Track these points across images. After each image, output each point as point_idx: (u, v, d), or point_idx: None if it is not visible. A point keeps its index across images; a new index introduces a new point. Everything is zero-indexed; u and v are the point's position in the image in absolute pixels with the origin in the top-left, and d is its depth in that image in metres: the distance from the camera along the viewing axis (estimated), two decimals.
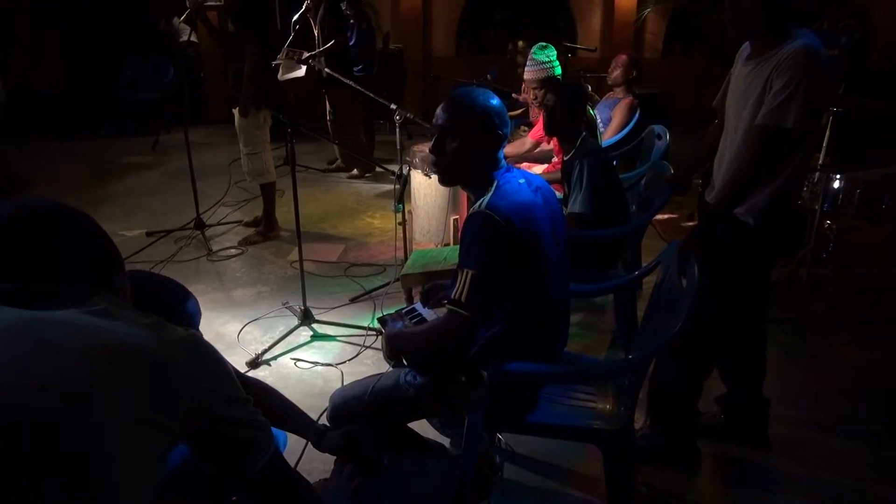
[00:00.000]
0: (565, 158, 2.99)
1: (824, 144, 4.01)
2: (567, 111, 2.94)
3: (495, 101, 1.81)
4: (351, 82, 4.19)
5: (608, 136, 4.26)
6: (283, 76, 4.84)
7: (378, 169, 5.84)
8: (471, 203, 1.85)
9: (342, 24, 6.03)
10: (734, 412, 2.54)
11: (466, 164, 1.81)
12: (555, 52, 3.86)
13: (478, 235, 1.70)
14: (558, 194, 2.79)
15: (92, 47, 8.47)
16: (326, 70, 4.65)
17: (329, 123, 6.31)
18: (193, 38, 7.04)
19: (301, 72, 4.86)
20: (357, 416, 1.92)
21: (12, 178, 5.75)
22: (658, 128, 3.88)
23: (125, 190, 6.05)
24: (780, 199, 2.12)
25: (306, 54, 4.69)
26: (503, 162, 1.84)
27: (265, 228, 4.69)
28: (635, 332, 2.65)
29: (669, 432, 2.39)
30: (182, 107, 4.61)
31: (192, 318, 1.67)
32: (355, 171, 6.45)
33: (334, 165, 6.70)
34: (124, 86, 8.45)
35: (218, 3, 4.83)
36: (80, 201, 5.59)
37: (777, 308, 3.51)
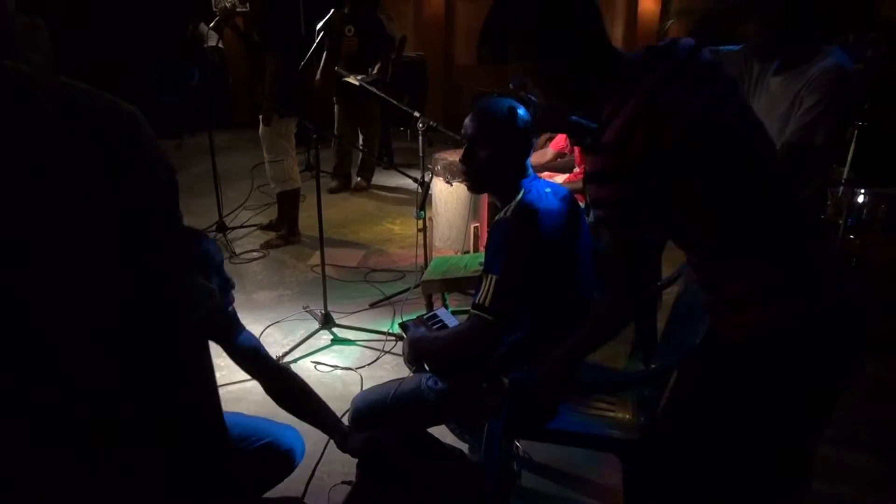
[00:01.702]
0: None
1: (849, 159, 3.98)
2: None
3: (521, 110, 1.84)
4: (379, 92, 4.22)
5: None
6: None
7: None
8: (492, 211, 1.89)
9: (383, 38, 5.74)
10: None
11: (495, 173, 1.85)
12: None
13: (503, 241, 1.74)
14: (582, 204, 2.80)
15: (119, 50, 8.62)
16: (360, 82, 4.57)
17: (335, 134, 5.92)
18: (220, 45, 7.14)
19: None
20: (378, 419, 1.95)
21: None
22: None
23: None
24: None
25: (360, 77, 4.77)
26: (530, 170, 1.87)
27: (287, 232, 4.74)
28: (655, 343, 2.65)
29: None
30: (207, 111, 4.69)
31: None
32: (363, 183, 6.17)
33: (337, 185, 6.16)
34: (150, 89, 8.58)
35: (244, 10, 4.90)
36: None
37: None
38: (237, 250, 4.57)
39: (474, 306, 1.74)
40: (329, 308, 3.39)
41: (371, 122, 5.97)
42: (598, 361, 2.52)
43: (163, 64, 8.70)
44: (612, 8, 9.44)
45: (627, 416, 1.97)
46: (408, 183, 3.97)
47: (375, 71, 5.48)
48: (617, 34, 9.53)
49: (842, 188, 3.65)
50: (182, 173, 6.70)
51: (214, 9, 5.66)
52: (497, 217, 1.81)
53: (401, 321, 2.44)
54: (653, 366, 2.05)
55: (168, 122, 8.29)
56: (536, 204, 1.76)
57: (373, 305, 3.73)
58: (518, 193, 1.82)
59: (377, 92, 4.37)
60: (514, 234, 1.72)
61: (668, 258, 3.38)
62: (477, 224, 3.93)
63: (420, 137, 3.72)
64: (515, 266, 1.72)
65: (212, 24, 4.61)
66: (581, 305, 1.92)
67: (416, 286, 3.73)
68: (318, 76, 5.41)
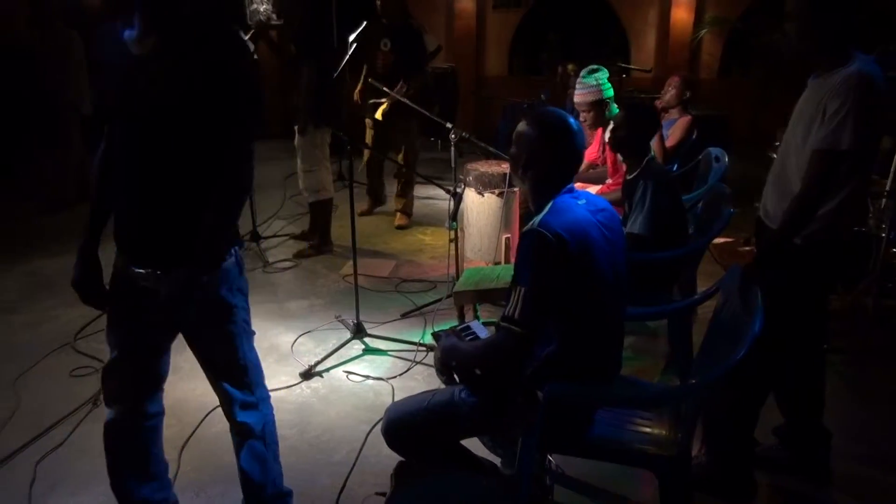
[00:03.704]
0: (628, 177, 2.97)
1: (892, 170, 3.89)
2: (636, 130, 2.93)
3: (573, 122, 1.85)
4: (417, 107, 4.24)
5: (661, 154, 4.20)
6: (378, 115, 5.06)
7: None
8: (524, 222, 1.89)
9: (421, 55, 5.44)
10: (793, 444, 2.47)
11: (542, 183, 1.86)
12: (606, 75, 3.84)
13: (530, 253, 1.73)
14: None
15: None
16: (404, 99, 4.56)
17: (368, 156, 5.63)
18: (255, 56, 7.24)
19: (381, 113, 5.03)
20: (412, 430, 1.94)
21: (84, 186, 6.01)
22: (715, 150, 3.83)
23: None
24: (834, 223, 2.09)
25: (404, 89, 4.79)
26: (571, 184, 1.88)
27: (319, 242, 4.78)
28: (690, 359, 2.61)
29: (725, 461, 2.34)
30: None
31: None
32: (403, 220, 5.56)
33: (367, 207, 5.90)
34: None
35: (279, 23, 4.98)
36: None
37: (839, 338, 3.40)
38: (270, 259, 4.62)
39: (503, 318, 1.73)
40: (361, 318, 3.41)
41: (409, 140, 5.42)
42: (632, 375, 2.49)
43: None
44: (644, 17, 9.40)
45: (664, 432, 1.94)
46: (438, 193, 3.98)
47: (401, 87, 5.02)
48: (649, 43, 9.49)
49: (884, 200, 3.57)
50: None
51: (249, 21, 5.75)
52: (526, 228, 1.80)
53: (434, 331, 2.44)
54: (692, 381, 2.01)
55: None
56: (563, 215, 1.75)
57: (404, 316, 3.74)
58: (547, 205, 1.82)
59: (409, 103, 4.41)
60: (539, 245, 1.71)
61: (703, 272, 3.35)
62: (508, 235, 3.92)
63: (452, 148, 3.73)
64: (544, 278, 1.71)
65: (248, 37, 4.68)
66: (614, 317, 1.90)
67: (448, 297, 3.74)
68: (357, 92, 5.33)
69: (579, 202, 1.84)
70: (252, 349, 1.97)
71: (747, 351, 1.64)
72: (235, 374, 1.93)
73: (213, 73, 1.63)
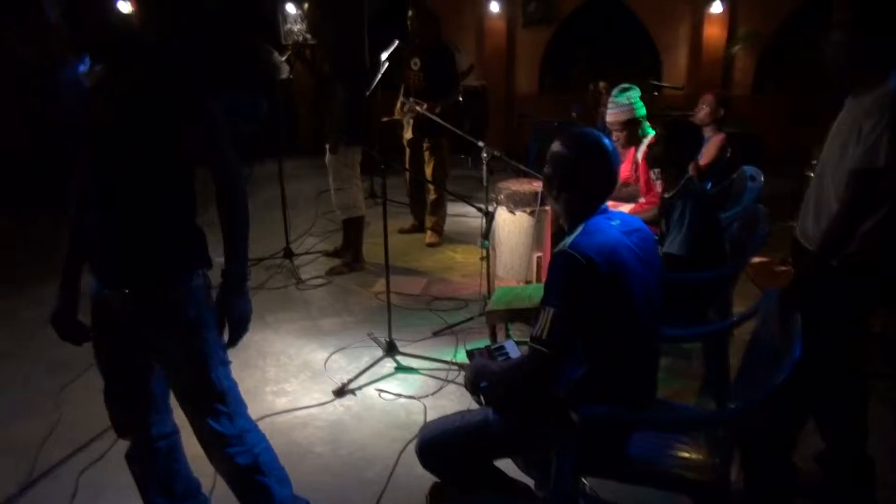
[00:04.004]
0: (666, 196, 2.96)
1: None
2: (677, 148, 2.91)
3: (608, 143, 1.85)
4: (446, 124, 4.28)
5: (696, 172, 4.17)
6: (405, 134, 5.07)
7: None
8: (555, 241, 1.89)
9: (452, 75, 5.45)
10: (835, 471, 2.41)
11: (576, 204, 1.86)
12: (637, 94, 3.83)
13: (559, 274, 1.73)
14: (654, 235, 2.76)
15: (196, 82, 9.02)
16: (433, 115, 4.59)
17: (408, 175, 5.66)
18: (290, 75, 7.37)
19: (411, 130, 5.06)
20: (445, 451, 1.95)
21: None
22: (750, 169, 3.78)
23: (218, 218, 6.33)
24: (873, 243, 2.06)
25: (425, 105, 4.84)
26: (605, 205, 1.87)
27: (351, 260, 4.83)
28: (726, 382, 2.57)
29: (764, 488, 2.29)
30: (275, 139, 4.84)
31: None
32: (434, 239, 5.55)
33: (410, 226, 5.86)
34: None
35: (313, 42, 5.07)
36: None
37: (883, 361, 3.32)
38: (303, 276, 4.67)
39: (532, 339, 1.73)
40: (393, 336, 3.43)
41: (439, 157, 5.43)
42: (666, 398, 2.46)
43: (234, 94, 9.03)
44: (675, 33, 9.36)
45: (701, 457, 1.91)
46: (468, 210, 3.99)
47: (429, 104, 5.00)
48: (681, 60, 9.44)
49: None
50: (252, 199, 6.97)
51: (284, 41, 5.85)
52: (557, 248, 1.80)
53: (467, 349, 2.44)
54: (730, 406, 1.98)
55: (238, 150, 8.58)
56: (594, 237, 1.75)
57: (436, 334, 3.75)
58: (579, 226, 1.81)
59: (438, 120, 4.44)
60: (568, 267, 1.71)
61: (739, 292, 3.30)
62: (540, 254, 3.92)
63: (483, 167, 3.75)
64: (573, 300, 1.70)
65: (285, 57, 4.78)
66: (647, 339, 1.89)
67: (480, 315, 3.74)
68: (397, 110, 5.37)
69: (613, 223, 1.84)
70: (228, 377, 1.90)
71: (787, 377, 1.61)
72: (207, 399, 1.85)
73: (152, 95, 1.68)
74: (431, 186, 5.43)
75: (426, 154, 5.42)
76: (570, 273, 1.70)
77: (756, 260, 4.69)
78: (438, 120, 4.45)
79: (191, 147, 1.77)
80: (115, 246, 1.79)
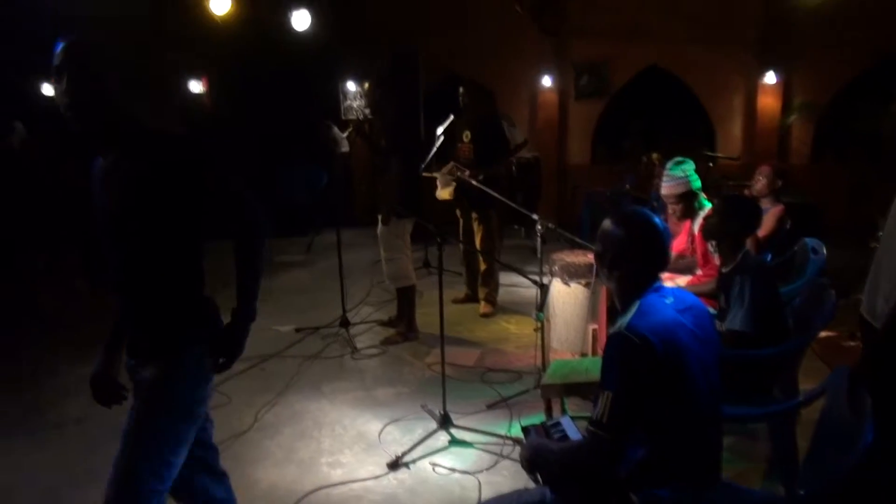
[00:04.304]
0: (724, 271, 2.92)
1: None
2: (734, 222, 2.89)
3: (659, 222, 1.86)
4: (493, 192, 4.36)
5: (755, 245, 4.10)
6: (440, 196, 5.17)
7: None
8: (611, 314, 1.88)
9: (501, 144, 5.58)
10: None
11: (628, 282, 1.87)
12: (692, 166, 3.83)
13: (616, 357, 1.72)
14: (711, 310, 2.71)
15: (259, 153, 9.49)
16: (480, 184, 4.70)
17: (462, 246, 5.65)
18: (348, 149, 7.67)
19: (450, 192, 5.16)
20: None
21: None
22: (812, 241, 3.71)
23: (278, 287, 6.54)
24: None
25: (467, 172, 4.97)
26: (658, 282, 1.87)
27: (405, 329, 4.87)
28: (795, 464, 2.46)
29: None
30: (334, 210, 5.00)
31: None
32: (488, 309, 5.51)
33: (464, 296, 5.83)
34: (283, 191, 9.28)
35: (371, 118, 5.30)
36: None
37: None
38: (358, 345, 4.73)
39: (591, 423, 1.71)
40: (447, 408, 3.41)
41: (487, 227, 5.45)
42: (731, 480, 2.37)
43: (296, 166, 9.41)
44: (729, 104, 9.38)
45: None
46: (521, 280, 4.01)
47: (467, 173, 5.05)
48: (735, 130, 9.42)
49: None
50: (310, 269, 7.19)
51: (344, 116, 6.14)
52: (612, 330, 1.80)
53: (523, 424, 2.42)
54: (799, 491, 1.89)
55: (298, 220, 8.89)
56: (650, 317, 1.74)
57: (490, 407, 3.71)
58: (634, 306, 1.81)
59: (483, 187, 4.54)
60: (625, 349, 1.70)
61: (805, 368, 3.18)
62: (595, 326, 3.88)
63: (538, 239, 3.78)
64: (631, 383, 1.69)
65: (346, 133, 4.99)
66: (709, 421, 1.84)
67: (535, 388, 3.70)
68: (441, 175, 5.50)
69: (667, 301, 1.83)
70: (155, 481, 1.82)
71: (860, 461, 1.55)
72: (124, 466, 1.81)
73: (161, 173, 1.80)
74: (480, 257, 5.47)
75: (475, 224, 5.50)
76: (627, 355, 1.70)
77: (822, 334, 4.52)
78: (480, 185, 4.55)
79: (199, 225, 1.92)
80: (129, 319, 1.96)
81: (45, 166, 6.45)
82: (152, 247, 1.86)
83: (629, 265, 1.86)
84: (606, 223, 1.92)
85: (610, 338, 1.77)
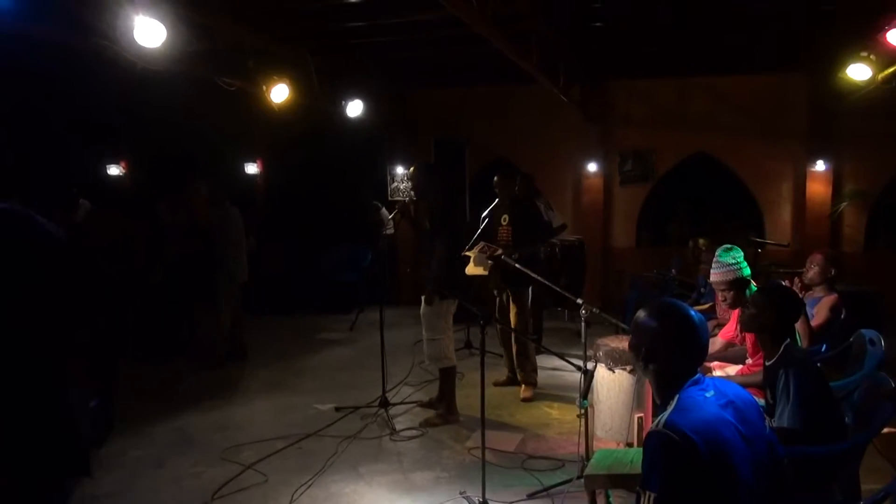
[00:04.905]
0: (767, 364, 2.83)
1: None
2: (769, 314, 2.81)
3: (695, 314, 1.83)
4: (539, 277, 4.37)
5: (807, 335, 3.97)
6: (470, 271, 5.21)
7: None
8: (656, 404, 1.83)
9: (538, 226, 5.79)
10: None
11: (664, 375, 1.82)
12: (741, 254, 3.78)
13: (656, 457, 1.66)
14: (759, 401, 2.61)
15: (308, 233, 9.78)
16: (516, 264, 4.76)
17: (499, 328, 5.63)
18: (393, 230, 7.82)
19: (485, 269, 5.20)
20: None
21: (235, 347, 6.56)
22: (870, 332, 3.57)
23: (320, 364, 6.56)
24: None
25: (499, 250, 5.04)
26: (697, 374, 1.82)
27: (445, 411, 4.80)
28: None
29: None
30: (378, 289, 5.05)
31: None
32: (528, 393, 5.40)
33: (505, 378, 5.75)
34: (329, 269, 9.48)
35: (416, 200, 5.42)
36: (286, 373, 6.20)
37: None
38: (397, 426, 4.67)
39: None
40: (486, 496, 3.31)
41: (521, 306, 5.44)
42: None
43: (342, 246, 9.63)
44: (777, 190, 9.29)
45: None
46: (564, 364, 3.94)
47: (500, 252, 5.11)
48: (784, 216, 9.29)
49: None
50: (353, 346, 7.22)
51: (391, 198, 6.29)
52: (651, 427, 1.74)
53: None
54: None
55: (343, 299, 9.01)
56: (691, 414, 1.67)
57: (531, 496, 3.58)
58: (672, 401, 1.75)
59: (518, 266, 4.56)
60: (666, 450, 1.64)
61: (867, 467, 3.00)
62: (641, 414, 3.76)
63: (582, 323, 3.74)
64: (674, 485, 1.62)
65: (392, 215, 5.11)
66: None
67: (578, 478, 3.57)
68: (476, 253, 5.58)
69: (707, 395, 1.76)
70: None
71: None
72: None
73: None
74: (513, 337, 5.45)
75: (509, 303, 5.51)
76: (669, 456, 1.63)
77: (885, 431, 4.28)
78: (514, 264, 4.56)
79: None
80: None
81: None
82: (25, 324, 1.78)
83: (665, 359, 1.82)
84: (640, 314, 1.88)
85: (649, 435, 1.71)
